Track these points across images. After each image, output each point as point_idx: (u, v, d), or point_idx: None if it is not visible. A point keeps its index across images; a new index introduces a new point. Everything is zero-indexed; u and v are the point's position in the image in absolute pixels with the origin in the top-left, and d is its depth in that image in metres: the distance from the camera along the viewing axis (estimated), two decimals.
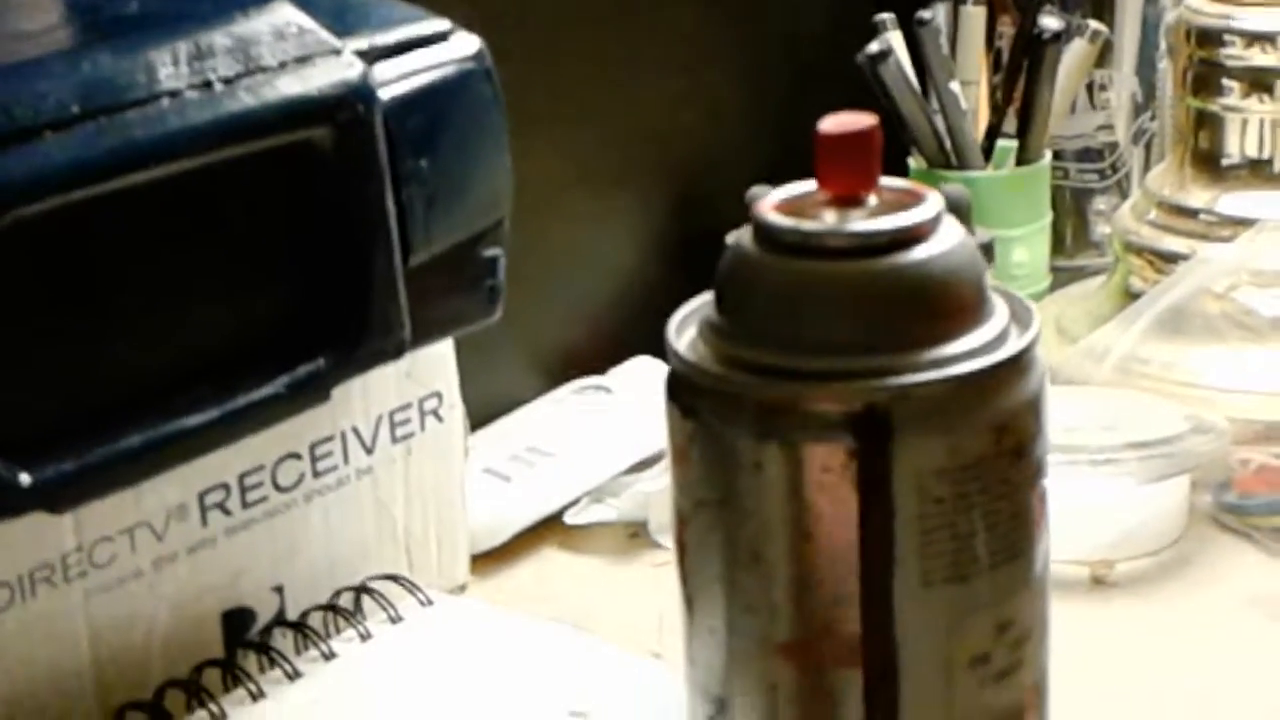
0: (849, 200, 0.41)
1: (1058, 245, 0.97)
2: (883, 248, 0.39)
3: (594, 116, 0.88)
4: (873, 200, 0.41)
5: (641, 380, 0.83)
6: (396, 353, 0.59)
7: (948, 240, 0.40)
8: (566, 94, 0.86)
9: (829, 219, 0.40)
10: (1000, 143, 0.94)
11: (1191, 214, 0.87)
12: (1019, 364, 0.40)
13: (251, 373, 0.55)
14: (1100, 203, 1.00)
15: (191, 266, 0.55)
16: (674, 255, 0.91)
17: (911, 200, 0.41)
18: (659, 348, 0.41)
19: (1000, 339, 0.40)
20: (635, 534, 0.77)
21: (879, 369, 0.39)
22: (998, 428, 0.39)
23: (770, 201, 0.41)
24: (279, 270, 0.57)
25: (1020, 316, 0.41)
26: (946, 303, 0.40)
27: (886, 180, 0.41)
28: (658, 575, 0.73)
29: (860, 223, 0.40)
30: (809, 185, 0.41)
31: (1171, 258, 0.86)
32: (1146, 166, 1.00)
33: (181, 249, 0.54)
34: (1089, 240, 1.01)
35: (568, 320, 0.88)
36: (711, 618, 0.41)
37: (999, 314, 0.41)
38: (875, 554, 0.39)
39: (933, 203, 0.40)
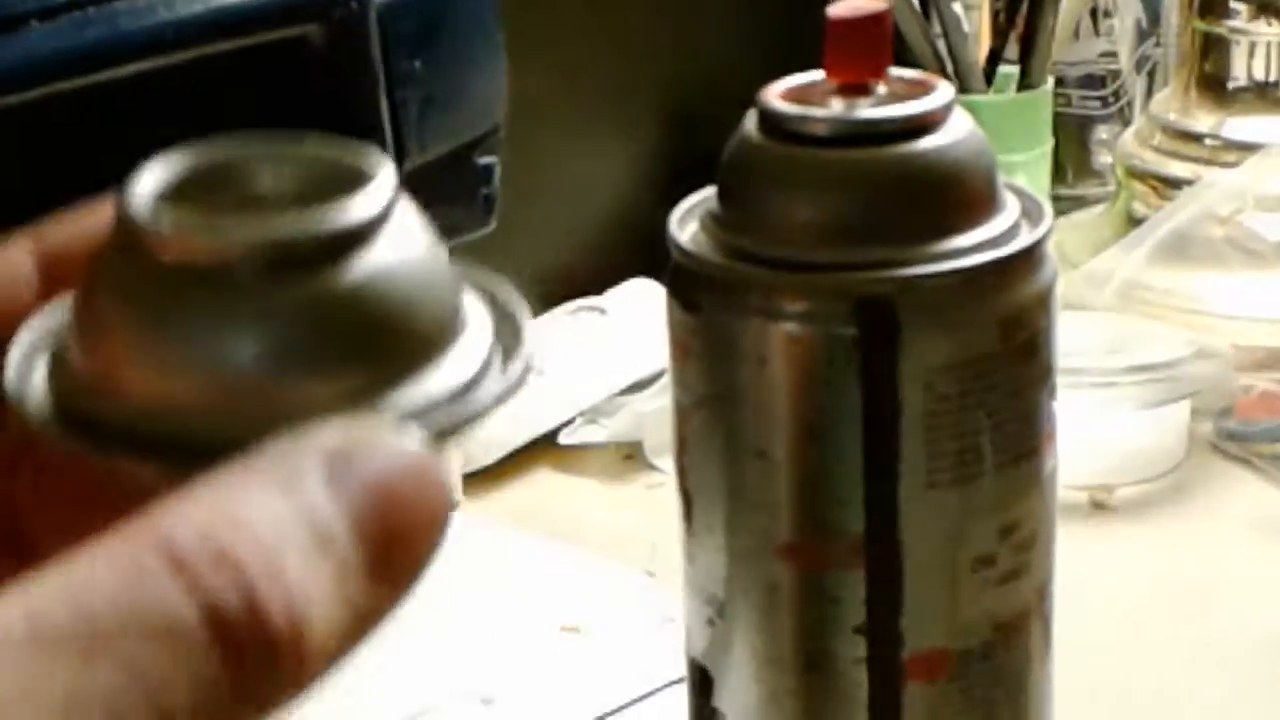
0: (857, 88, 0.39)
1: (1059, 173, 0.96)
2: (891, 136, 0.38)
3: (588, 30, 0.87)
4: (882, 89, 0.40)
5: (638, 302, 0.82)
6: None
7: (958, 131, 0.39)
8: (560, 6, 0.85)
9: (836, 107, 0.39)
10: (1002, 68, 0.93)
11: (1196, 139, 0.86)
12: (1030, 258, 0.39)
13: None
14: (1103, 131, 0.98)
15: None
16: (672, 174, 0.90)
17: (921, 90, 0.39)
18: (656, 269, 0.40)
19: (1010, 233, 0.39)
20: (630, 455, 0.77)
21: (885, 260, 0.38)
22: (1006, 323, 0.38)
23: (776, 89, 0.40)
24: None
25: (1031, 212, 0.40)
26: (955, 194, 0.39)
27: (896, 70, 0.40)
28: (652, 497, 0.73)
29: (868, 110, 0.39)
30: (816, 74, 0.40)
31: (1175, 183, 0.85)
32: (1149, 95, 0.99)
33: (169, 146, 0.53)
34: (1090, 168, 1.00)
35: (563, 241, 0.87)
36: (711, 516, 0.40)
37: (1010, 209, 0.40)
38: (880, 453, 0.38)
39: (943, 92, 0.39)
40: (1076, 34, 0.97)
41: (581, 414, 0.77)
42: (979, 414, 0.38)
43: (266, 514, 0.21)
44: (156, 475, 0.23)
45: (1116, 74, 0.98)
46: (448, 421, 0.24)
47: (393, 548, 0.22)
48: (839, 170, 0.38)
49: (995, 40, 0.93)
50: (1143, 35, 0.99)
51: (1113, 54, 0.98)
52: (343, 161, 0.25)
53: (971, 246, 0.38)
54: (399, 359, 0.24)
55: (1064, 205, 0.97)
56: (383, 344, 0.24)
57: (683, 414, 0.41)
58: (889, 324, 0.37)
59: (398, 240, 0.24)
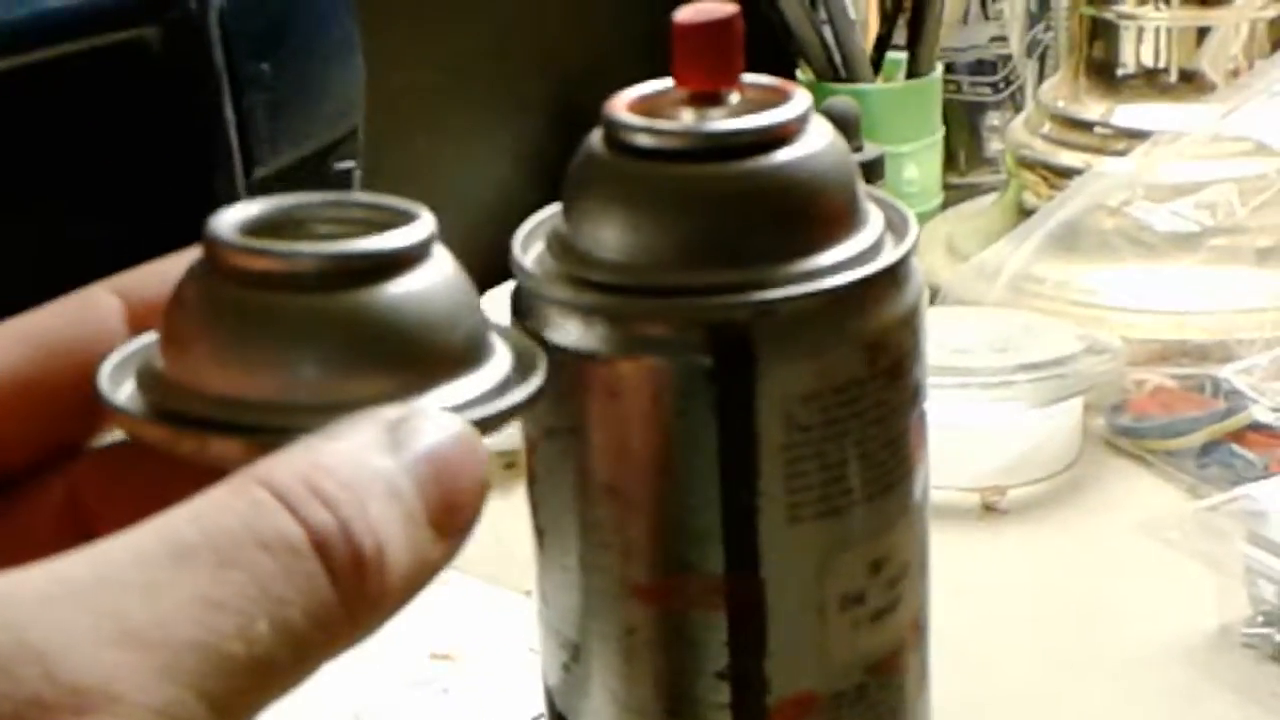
0: (708, 98, 0.37)
1: (950, 162, 0.95)
2: (743, 149, 0.36)
3: (464, 24, 0.84)
4: (734, 98, 0.37)
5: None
6: None
7: (816, 142, 0.37)
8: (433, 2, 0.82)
9: (685, 118, 0.37)
10: (890, 54, 0.91)
11: (1086, 127, 0.85)
12: (894, 277, 0.37)
13: None
14: (993, 118, 0.97)
15: (9, 183, 0.51)
16: (549, 170, 0.87)
17: (776, 98, 0.37)
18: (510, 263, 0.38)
19: (873, 250, 0.37)
20: (511, 464, 0.74)
21: (739, 283, 0.35)
22: (871, 346, 0.36)
23: (623, 99, 0.37)
24: (109, 188, 0.53)
25: (896, 225, 0.38)
26: (814, 210, 0.36)
27: (750, 77, 0.37)
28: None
29: (718, 122, 0.36)
30: (666, 83, 0.38)
31: (1065, 173, 0.83)
32: (1040, 80, 0.97)
33: (5, 160, 0.50)
34: (982, 157, 0.98)
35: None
36: (564, 555, 0.38)
37: (873, 222, 0.37)
38: (738, 487, 0.35)
39: (799, 100, 0.37)
40: (965, 18, 0.95)
41: None
42: (844, 443, 0.36)
43: (346, 466, 0.25)
44: (239, 449, 0.28)
45: (1007, 59, 0.97)
46: (479, 416, 0.29)
47: (447, 507, 0.26)
48: (688, 187, 0.36)
49: (882, 26, 0.91)
50: (1033, 19, 0.97)
51: (1003, 39, 0.97)
52: (395, 208, 0.31)
53: (832, 266, 0.36)
54: (437, 366, 0.30)
55: (957, 194, 0.95)
56: (423, 351, 0.30)
57: (531, 445, 0.38)
58: (744, 351, 0.35)
59: (435, 271, 0.30)
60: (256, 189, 0.55)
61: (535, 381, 0.31)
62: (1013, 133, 0.88)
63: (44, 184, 0.52)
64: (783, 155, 0.36)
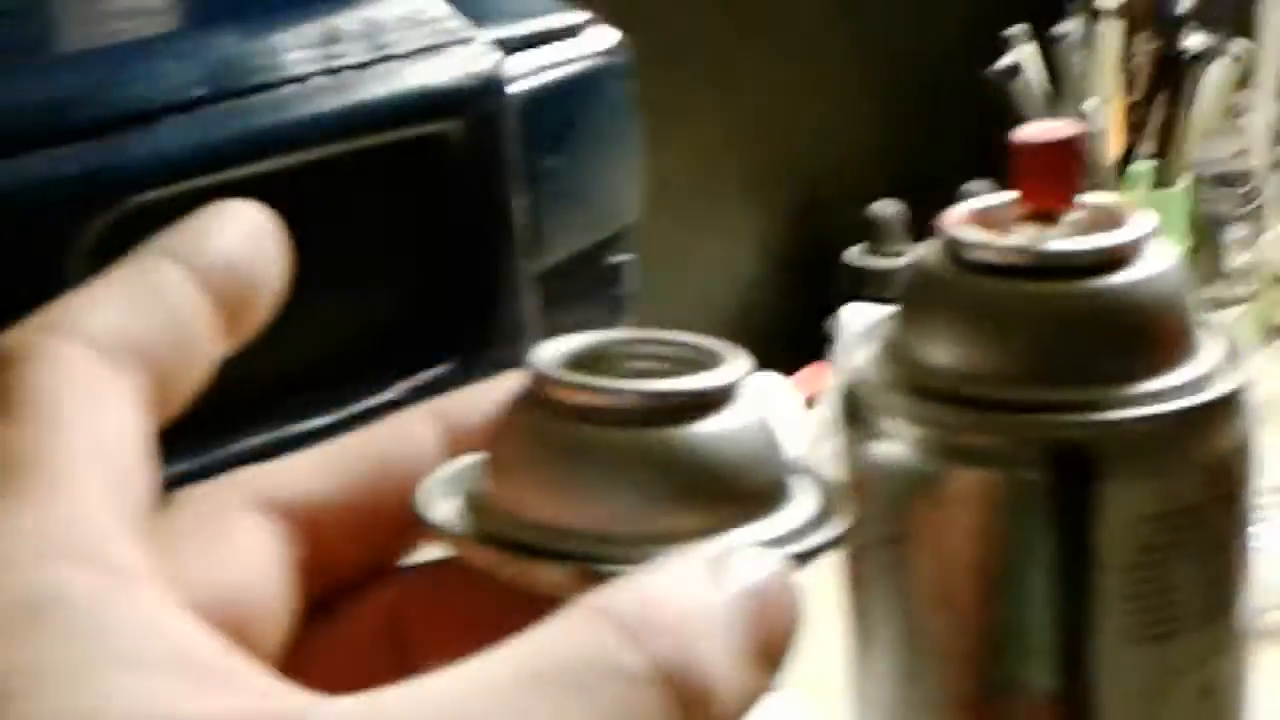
0: (1046, 216, 0.37)
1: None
2: (1086, 269, 0.36)
3: (718, 117, 0.85)
4: (1071, 217, 0.37)
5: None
6: (521, 360, 0.55)
7: (1156, 264, 0.37)
8: (690, 94, 0.83)
9: (1024, 235, 0.37)
10: (1135, 165, 0.90)
11: None
12: (1232, 404, 0.36)
13: (373, 376, 0.52)
14: (1236, 231, 0.95)
15: (314, 263, 0.52)
16: (790, 266, 0.88)
17: (1114, 219, 0.37)
18: (779, 362, 0.38)
19: (1209, 377, 0.36)
20: None
21: (1076, 402, 0.35)
22: (1211, 471, 0.36)
23: (958, 215, 0.37)
24: (404, 269, 0.54)
25: (1231, 353, 0.37)
26: (1152, 333, 0.36)
27: (1086, 197, 0.38)
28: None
29: (1060, 241, 0.36)
30: (1000, 198, 0.38)
31: None
32: None
33: (304, 244, 0.51)
34: (1218, 270, 0.97)
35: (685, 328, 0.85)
36: (886, 663, 0.38)
37: (1208, 349, 0.37)
38: (1075, 605, 0.35)
39: (1139, 222, 0.37)
40: (1212, 131, 0.94)
41: None
42: (1182, 566, 0.36)
43: (679, 599, 0.25)
44: (565, 577, 0.28)
45: (1251, 174, 0.96)
46: (794, 551, 0.29)
47: (768, 641, 0.26)
48: (1032, 304, 0.36)
49: (1128, 137, 0.91)
50: (1279, 134, 0.96)
51: (1246, 152, 0.96)
52: (704, 347, 0.32)
53: (1174, 389, 0.36)
54: (748, 502, 0.30)
55: None
56: (737, 487, 0.30)
57: (858, 551, 0.38)
58: (1085, 470, 0.35)
59: (747, 409, 0.31)
60: (538, 281, 0.57)
61: (843, 518, 0.31)
62: (1264, 248, 0.86)
63: (339, 271, 0.53)
64: (1125, 276, 0.36)
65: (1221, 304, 0.93)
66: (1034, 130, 0.37)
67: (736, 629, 0.26)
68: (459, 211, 0.54)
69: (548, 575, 0.29)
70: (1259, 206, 0.95)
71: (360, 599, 0.32)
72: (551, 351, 0.31)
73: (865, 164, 0.91)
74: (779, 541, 0.30)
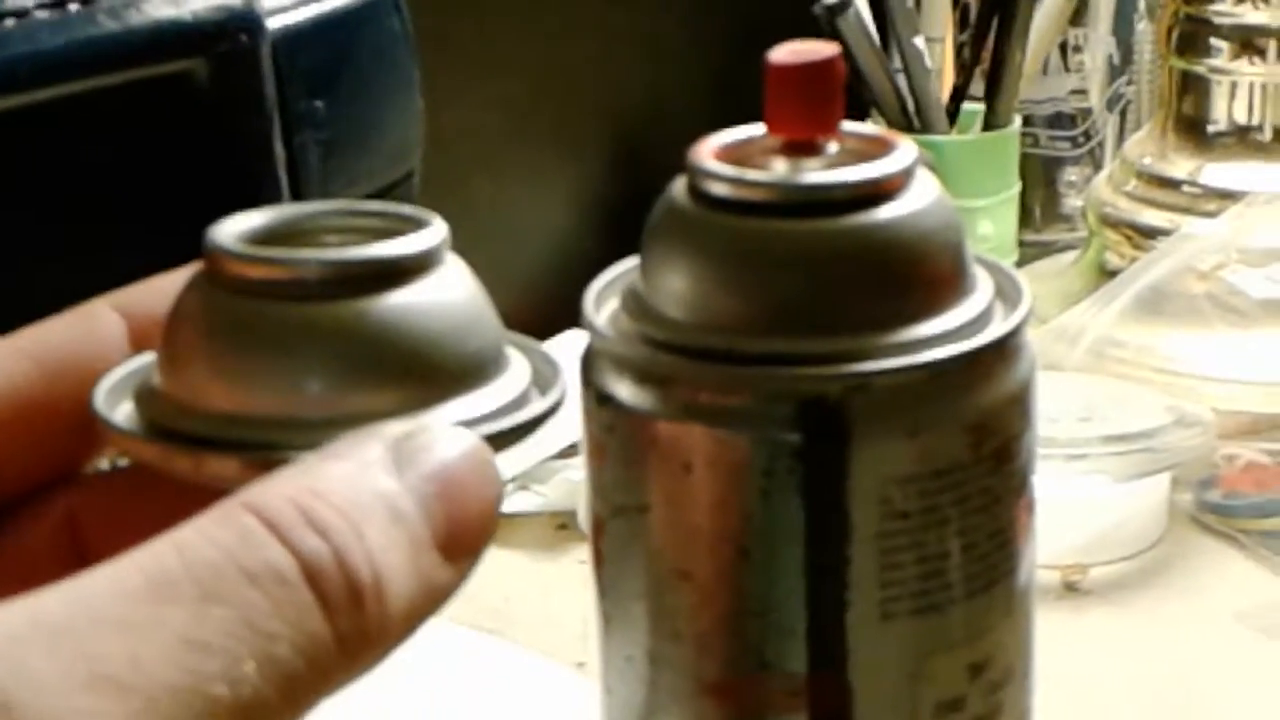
0: (804, 147, 0.34)
1: (1025, 218, 0.91)
2: (842, 204, 0.32)
3: (527, 64, 0.81)
4: (833, 148, 0.34)
5: (573, 356, 0.76)
6: None
7: (922, 197, 0.33)
8: (496, 39, 0.79)
9: (779, 169, 0.33)
10: (966, 105, 0.88)
11: (1174, 185, 0.81)
12: (1004, 351, 0.33)
13: None
14: (1072, 173, 0.93)
15: (43, 220, 0.48)
16: (611, 217, 0.84)
17: (878, 149, 0.34)
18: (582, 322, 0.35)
19: (982, 320, 0.33)
20: (563, 525, 0.71)
21: (834, 353, 0.32)
22: (977, 427, 0.32)
23: (710, 147, 0.34)
24: (151, 225, 0.50)
25: (1007, 293, 0.34)
26: (918, 274, 0.33)
27: (849, 125, 0.34)
28: (586, 572, 0.66)
29: (816, 174, 0.33)
30: (756, 128, 0.34)
31: (1151, 233, 0.80)
32: (1121, 135, 0.94)
33: (28, 200, 0.47)
34: (1059, 213, 0.95)
35: (494, 288, 0.81)
36: (630, 645, 0.34)
37: (981, 289, 0.34)
38: (825, 578, 0.32)
39: (903, 152, 0.33)
40: (1045, 70, 0.92)
41: (512, 480, 0.71)
42: (944, 533, 0.32)
43: (344, 488, 0.24)
44: (235, 468, 0.26)
45: (1087, 113, 0.93)
46: (491, 431, 0.27)
47: (456, 528, 0.25)
48: (780, 245, 0.32)
49: (959, 76, 0.88)
50: (1115, 73, 0.94)
51: (1083, 91, 0.93)
52: (402, 215, 0.30)
53: (936, 336, 0.32)
54: (448, 380, 0.28)
55: (1031, 252, 0.91)
56: (433, 364, 0.28)
57: (598, 524, 0.35)
58: (838, 429, 0.31)
59: (447, 280, 0.29)
60: None
61: (553, 396, 0.30)
62: (1095, 190, 0.84)
63: (85, 218, 0.49)
64: (885, 212, 0.32)
65: (1054, 248, 0.91)
66: (787, 52, 0.33)
67: (416, 516, 0.24)
68: (212, 161, 0.50)
69: (217, 468, 0.27)
70: (1094, 148, 0.93)
71: (39, 506, 0.30)
72: (234, 227, 0.28)
73: (688, 107, 0.88)
74: (479, 420, 0.28)
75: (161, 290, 0.30)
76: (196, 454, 0.27)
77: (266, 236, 0.29)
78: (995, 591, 0.33)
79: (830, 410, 0.32)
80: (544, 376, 0.31)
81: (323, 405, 0.27)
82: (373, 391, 0.27)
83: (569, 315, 0.77)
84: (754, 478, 0.32)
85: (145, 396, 0.29)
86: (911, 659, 0.33)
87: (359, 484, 0.24)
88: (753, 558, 0.32)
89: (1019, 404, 0.33)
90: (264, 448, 0.26)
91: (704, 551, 0.33)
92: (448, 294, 0.29)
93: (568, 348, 0.78)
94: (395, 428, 0.25)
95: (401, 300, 0.28)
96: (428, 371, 0.28)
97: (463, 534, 0.25)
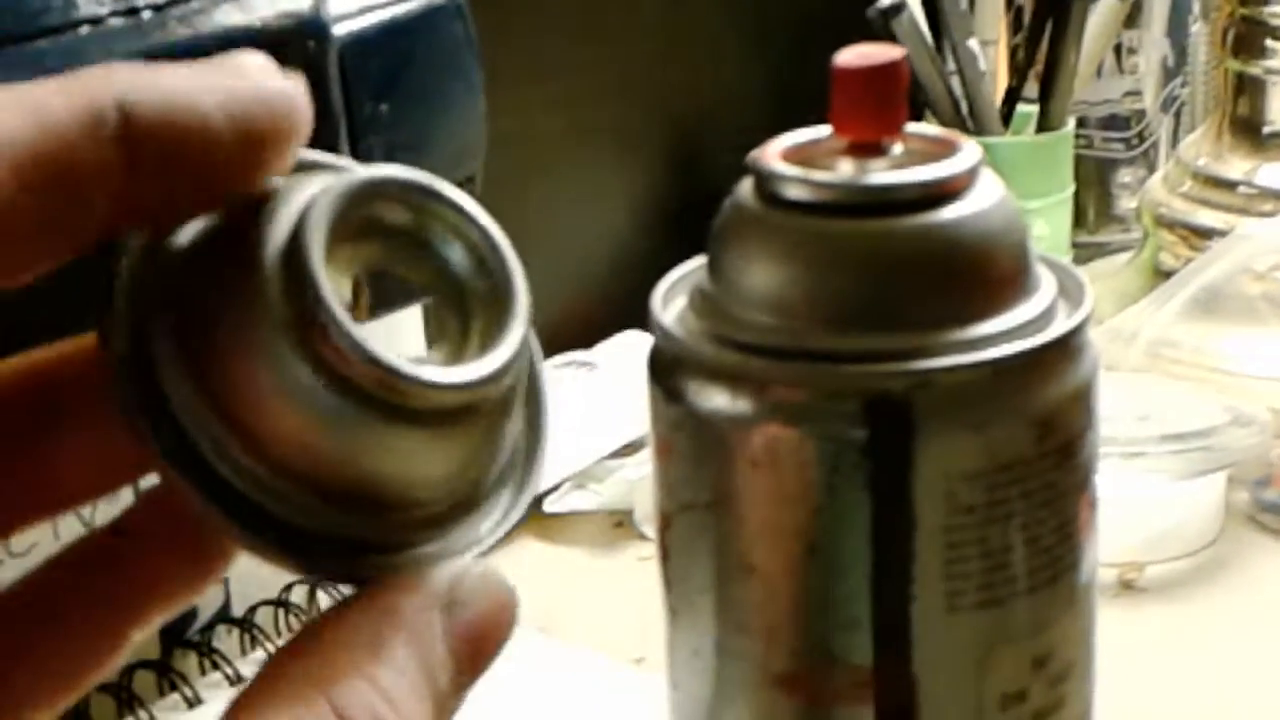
0: (868, 148, 0.34)
1: (1079, 219, 0.91)
2: (909, 204, 0.33)
3: (585, 66, 0.82)
4: (897, 148, 0.34)
5: (630, 357, 0.77)
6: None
7: (986, 198, 0.34)
8: (553, 43, 0.80)
9: (845, 170, 0.34)
10: (1020, 107, 0.88)
11: (1229, 186, 0.81)
12: (1067, 348, 0.34)
13: None
14: (1126, 174, 0.93)
15: None
16: (669, 218, 0.85)
17: (942, 150, 0.34)
18: (650, 321, 0.35)
19: (1045, 318, 0.34)
20: (620, 524, 0.71)
21: (899, 351, 0.32)
22: (1041, 423, 0.33)
23: (775, 148, 0.34)
24: None
25: (1070, 291, 0.35)
26: (982, 273, 0.33)
27: (914, 126, 0.35)
28: (643, 570, 0.67)
29: (881, 174, 0.34)
30: (821, 130, 0.35)
31: (1207, 233, 0.79)
32: (1175, 137, 0.93)
33: None
34: (1112, 214, 0.94)
35: (550, 290, 0.82)
36: (697, 638, 0.35)
37: (1044, 288, 0.34)
38: (891, 572, 0.32)
39: (968, 153, 0.34)
40: (1099, 72, 0.92)
41: (568, 479, 0.71)
42: (1009, 527, 0.33)
43: (409, 698, 0.26)
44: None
45: (1141, 114, 0.93)
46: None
47: (475, 658, 0.27)
48: (849, 244, 0.33)
49: (1013, 78, 0.88)
50: (1169, 74, 0.94)
51: (1137, 93, 0.93)
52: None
53: (1000, 334, 0.33)
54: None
55: (1085, 253, 0.91)
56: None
57: (665, 520, 0.35)
58: (903, 425, 0.32)
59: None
60: None
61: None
62: (1150, 191, 0.84)
63: None
64: (951, 212, 0.33)
65: (1108, 249, 0.91)
66: (853, 55, 0.34)
67: (445, 666, 0.26)
68: None
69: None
70: (1148, 149, 0.93)
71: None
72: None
73: (743, 108, 0.88)
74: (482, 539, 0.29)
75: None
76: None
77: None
78: (1058, 586, 0.34)
79: (895, 406, 0.32)
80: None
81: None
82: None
83: (627, 316, 0.78)
84: (820, 473, 0.32)
85: None
86: (976, 651, 0.33)
87: (414, 668, 0.26)
88: (819, 552, 0.33)
89: (1082, 400, 0.34)
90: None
91: (771, 546, 0.33)
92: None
93: (623, 349, 0.79)
94: (442, 582, 0.27)
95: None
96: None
97: (479, 657, 0.27)
